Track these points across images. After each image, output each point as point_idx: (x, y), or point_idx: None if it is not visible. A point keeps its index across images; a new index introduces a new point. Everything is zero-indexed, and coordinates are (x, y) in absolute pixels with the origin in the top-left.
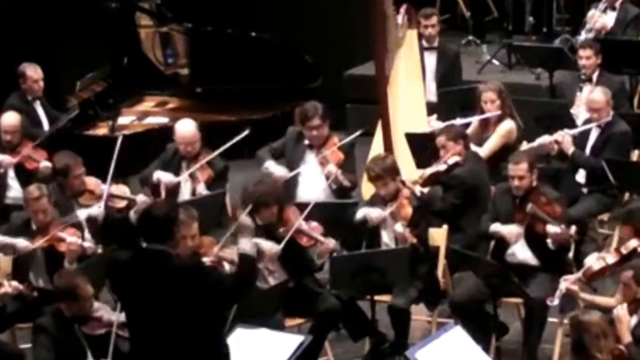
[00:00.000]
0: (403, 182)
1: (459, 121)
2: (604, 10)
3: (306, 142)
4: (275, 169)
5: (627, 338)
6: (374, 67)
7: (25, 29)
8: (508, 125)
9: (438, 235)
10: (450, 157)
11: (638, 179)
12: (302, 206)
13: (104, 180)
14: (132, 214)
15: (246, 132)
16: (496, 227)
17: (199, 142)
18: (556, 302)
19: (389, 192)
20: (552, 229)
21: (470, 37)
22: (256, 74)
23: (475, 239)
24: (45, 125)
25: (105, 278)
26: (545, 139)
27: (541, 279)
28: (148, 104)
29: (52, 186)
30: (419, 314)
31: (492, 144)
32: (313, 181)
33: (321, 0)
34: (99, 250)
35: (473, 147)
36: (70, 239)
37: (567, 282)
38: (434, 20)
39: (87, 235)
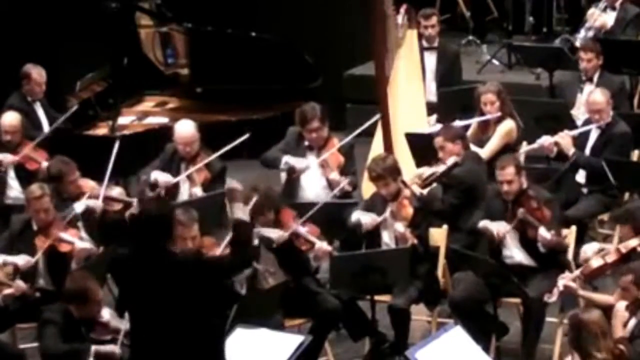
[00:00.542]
0: (404, 183)
1: (458, 123)
2: (604, 9)
3: (306, 143)
4: (296, 162)
5: (619, 333)
6: (374, 67)
7: (26, 29)
8: (508, 125)
9: (438, 235)
10: (449, 157)
11: (638, 179)
12: (302, 207)
13: (102, 181)
14: (129, 216)
15: (246, 136)
16: (485, 223)
17: (198, 142)
18: (554, 298)
19: (390, 192)
20: (543, 234)
21: (470, 37)
22: (256, 74)
23: (475, 239)
24: (45, 127)
25: (105, 278)
26: (545, 140)
27: (540, 278)
28: (148, 104)
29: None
30: (419, 314)
31: (494, 144)
32: (313, 182)
33: (321, 0)
34: (99, 250)
35: (473, 148)
36: (78, 242)
37: (565, 279)
38: (434, 20)
39: (83, 234)
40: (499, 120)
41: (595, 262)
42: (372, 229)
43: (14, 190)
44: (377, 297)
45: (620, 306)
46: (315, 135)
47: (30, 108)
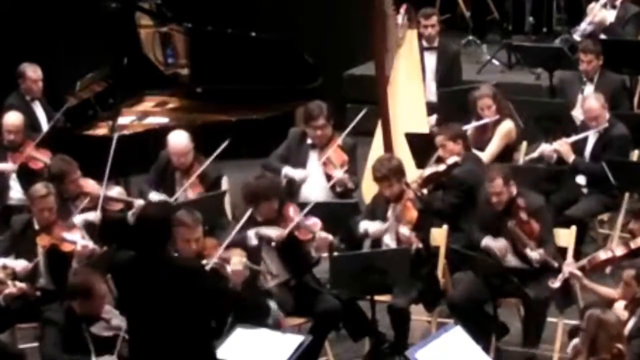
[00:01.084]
0: (407, 184)
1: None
2: (604, 6)
3: (309, 141)
4: (295, 173)
5: None
6: (374, 67)
7: (25, 28)
8: (507, 126)
9: (438, 235)
10: (450, 156)
11: (638, 179)
12: (302, 206)
13: (102, 181)
14: (130, 216)
15: (227, 142)
16: (487, 242)
17: (191, 153)
18: (557, 284)
19: (394, 193)
20: (529, 254)
21: (470, 37)
22: (256, 74)
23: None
24: (44, 126)
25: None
26: (544, 148)
27: (540, 279)
28: (148, 104)
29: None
30: (419, 314)
31: (494, 147)
32: (315, 181)
33: (321, 0)
34: (101, 250)
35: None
36: (80, 242)
37: (570, 267)
38: (434, 20)
39: (84, 234)
40: (497, 122)
41: (604, 255)
42: (379, 236)
43: (15, 191)
44: (377, 297)
45: (619, 306)
46: (320, 133)
47: (28, 107)
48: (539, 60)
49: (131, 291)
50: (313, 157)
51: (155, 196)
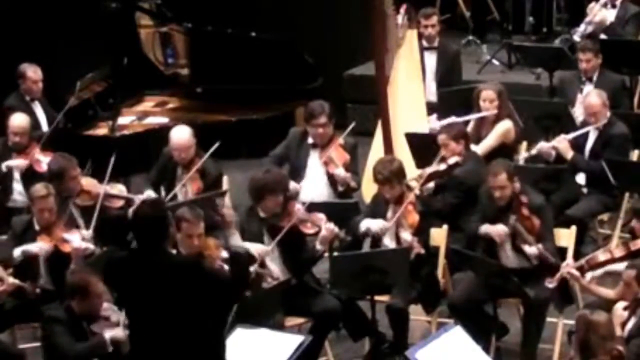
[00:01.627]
0: (408, 186)
1: (455, 119)
2: (604, 5)
3: (310, 141)
4: (293, 186)
5: (617, 333)
6: (374, 67)
7: (25, 28)
8: (505, 126)
9: (438, 235)
10: (451, 156)
11: (638, 179)
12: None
13: (102, 181)
14: (131, 213)
15: (217, 144)
16: (486, 228)
17: (193, 148)
18: (554, 283)
19: (394, 195)
20: (528, 251)
21: (470, 37)
22: (256, 74)
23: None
24: (44, 127)
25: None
26: (542, 146)
27: (540, 279)
28: (148, 104)
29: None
30: (419, 314)
31: (489, 142)
32: (315, 180)
33: (321, 0)
34: (101, 250)
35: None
36: (78, 242)
37: (568, 267)
38: (434, 20)
39: (85, 232)
40: (496, 120)
41: (602, 256)
42: (381, 235)
43: (16, 192)
44: (377, 297)
45: (619, 306)
46: (322, 131)
47: (28, 108)
48: (539, 60)
49: (129, 289)
50: (314, 156)
51: (151, 194)
